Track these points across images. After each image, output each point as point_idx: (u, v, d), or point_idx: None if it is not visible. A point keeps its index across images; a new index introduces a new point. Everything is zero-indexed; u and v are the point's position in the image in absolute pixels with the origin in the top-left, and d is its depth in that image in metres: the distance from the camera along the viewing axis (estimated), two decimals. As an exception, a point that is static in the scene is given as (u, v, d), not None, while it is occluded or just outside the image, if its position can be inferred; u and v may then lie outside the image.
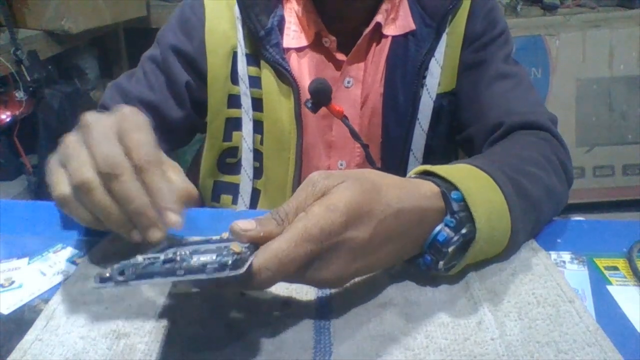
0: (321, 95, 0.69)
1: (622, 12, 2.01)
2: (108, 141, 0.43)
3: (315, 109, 0.70)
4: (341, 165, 0.79)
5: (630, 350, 0.42)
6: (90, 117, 0.45)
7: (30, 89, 1.82)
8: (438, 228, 0.46)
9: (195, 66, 0.77)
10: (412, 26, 0.74)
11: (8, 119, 1.83)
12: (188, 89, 0.78)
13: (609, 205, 2.09)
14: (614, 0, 2.09)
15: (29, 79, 1.80)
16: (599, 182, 2.08)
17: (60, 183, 0.44)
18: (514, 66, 0.77)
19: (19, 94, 1.81)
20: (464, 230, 0.46)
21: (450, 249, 0.45)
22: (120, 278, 0.35)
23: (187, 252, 0.36)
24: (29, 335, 0.43)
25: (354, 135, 0.72)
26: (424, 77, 0.75)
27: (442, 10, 0.73)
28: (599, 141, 2.06)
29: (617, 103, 2.03)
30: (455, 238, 0.45)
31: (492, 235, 0.47)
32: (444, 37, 0.75)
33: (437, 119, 0.77)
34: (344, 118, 0.71)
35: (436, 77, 0.75)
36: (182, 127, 0.80)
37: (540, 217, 0.56)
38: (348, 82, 0.75)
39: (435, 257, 0.46)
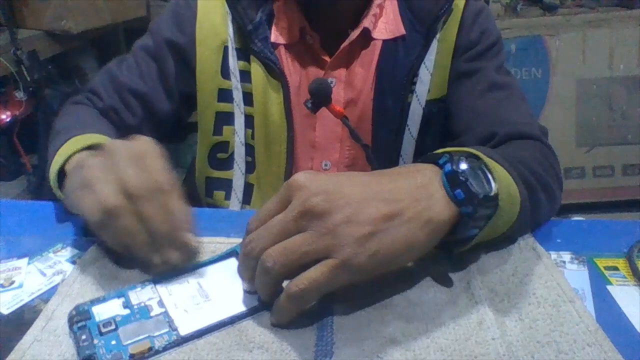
0: (321, 96, 0.69)
1: (622, 12, 2.01)
2: (135, 165, 0.46)
3: (315, 109, 0.70)
4: (325, 165, 0.79)
5: (630, 350, 0.42)
6: (112, 144, 0.49)
7: (30, 89, 1.82)
8: (443, 169, 0.46)
9: (185, 58, 0.77)
10: (402, 31, 0.74)
11: (8, 119, 1.83)
12: (177, 81, 0.78)
13: (609, 205, 2.09)
14: (614, 0, 2.09)
15: (29, 79, 1.79)
16: (599, 182, 2.08)
17: (93, 209, 0.46)
18: (506, 77, 0.77)
19: (19, 94, 1.81)
20: (464, 161, 0.46)
21: (465, 171, 0.45)
22: None
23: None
24: (28, 336, 0.43)
25: (354, 136, 0.72)
26: (414, 84, 0.75)
27: (432, 16, 0.73)
28: (599, 141, 2.06)
29: (617, 103, 2.03)
30: (465, 164, 0.45)
31: (500, 176, 0.47)
32: (435, 44, 0.74)
33: (426, 126, 0.77)
34: (344, 118, 0.71)
35: (426, 84, 0.75)
36: (170, 120, 0.80)
37: (537, 201, 0.56)
38: (331, 82, 0.75)
39: (457, 189, 0.45)
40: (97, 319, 0.43)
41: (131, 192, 0.45)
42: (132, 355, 0.40)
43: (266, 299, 0.44)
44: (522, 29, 1.99)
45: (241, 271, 0.45)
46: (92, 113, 0.77)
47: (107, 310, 0.44)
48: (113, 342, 0.41)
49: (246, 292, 0.46)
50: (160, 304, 0.45)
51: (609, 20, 1.99)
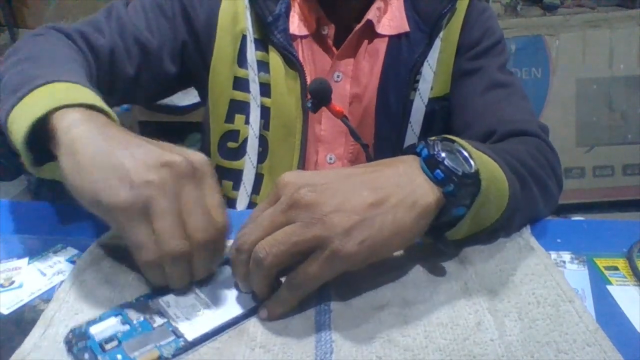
0: (321, 95, 0.69)
1: (622, 12, 2.01)
2: (198, 210, 0.43)
3: (315, 108, 0.71)
4: (330, 159, 0.80)
5: (630, 350, 0.42)
6: (173, 158, 0.43)
7: (30, 88, 1.82)
8: (419, 152, 0.48)
9: (198, 36, 0.77)
10: (407, 27, 0.75)
11: (8, 119, 1.83)
12: (184, 49, 0.78)
13: (609, 205, 2.09)
14: (614, 0, 2.09)
15: (29, 79, 1.80)
16: (599, 182, 2.08)
17: (148, 247, 0.42)
18: (508, 76, 0.78)
19: (19, 94, 1.81)
20: (439, 144, 0.48)
21: (441, 152, 0.47)
22: None
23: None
24: (27, 343, 0.42)
25: (354, 135, 0.72)
26: (417, 81, 0.76)
27: (436, 14, 0.74)
28: (599, 141, 2.05)
29: (617, 103, 2.03)
30: (440, 146, 0.47)
31: (480, 156, 0.48)
32: (438, 42, 0.75)
33: (429, 124, 0.78)
34: (344, 118, 0.71)
35: (429, 82, 0.76)
36: (165, 81, 0.79)
37: (529, 192, 0.56)
38: (337, 77, 0.76)
39: (436, 169, 0.46)
40: (97, 339, 0.42)
41: (196, 241, 0.43)
42: None
43: (261, 292, 0.44)
44: (522, 29, 1.99)
45: (234, 268, 0.45)
46: (79, 55, 0.67)
47: (106, 328, 0.43)
48: (119, 357, 0.40)
49: (242, 292, 0.46)
50: (161, 315, 0.44)
51: (608, 20, 1.99)
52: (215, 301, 0.46)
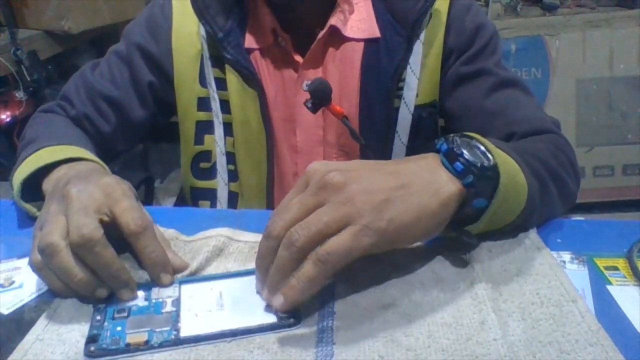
0: (321, 96, 0.69)
1: (622, 12, 2.01)
2: (85, 213, 0.46)
3: (315, 109, 0.70)
4: None
5: (630, 350, 0.42)
6: (74, 189, 0.48)
7: (30, 89, 1.82)
8: (438, 148, 0.50)
9: (160, 67, 0.77)
10: (377, 33, 0.72)
11: (8, 119, 1.83)
12: (151, 89, 0.78)
13: (609, 205, 2.08)
14: (613, 0, 2.09)
15: (29, 79, 1.79)
16: (599, 182, 2.08)
17: (35, 249, 0.47)
18: (507, 72, 0.76)
19: (19, 94, 1.81)
20: (458, 139, 0.50)
21: (460, 146, 0.49)
22: None
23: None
24: (30, 335, 0.43)
25: (354, 135, 0.71)
26: (401, 89, 0.73)
27: (413, 16, 0.71)
28: (599, 141, 2.05)
29: (617, 103, 2.03)
30: (459, 141, 0.49)
31: (499, 153, 0.50)
32: (419, 46, 0.72)
33: (416, 131, 0.75)
34: (344, 118, 0.71)
35: (413, 89, 0.73)
36: (143, 125, 0.80)
37: (546, 188, 0.56)
38: (306, 86, 0.73)
39: (456, 162, 0.48)
40: (115, 305, 0.45)
41: (72, 240, 0.45)
42: (128, 344, 0.41)
43: (275, 278, 0.43)
44: (522, 29, 1.98)
45: (258, 258, 0.45)
46: (64, 121, 0.76)
47: (128, 299, 0.46)
48: (118, 328, 0.43)
49: (260, 306, 0.45)
50: (175, 303, 0.46)
51: (609, 20, 1.99)
52: (230, 307, 0.46)
